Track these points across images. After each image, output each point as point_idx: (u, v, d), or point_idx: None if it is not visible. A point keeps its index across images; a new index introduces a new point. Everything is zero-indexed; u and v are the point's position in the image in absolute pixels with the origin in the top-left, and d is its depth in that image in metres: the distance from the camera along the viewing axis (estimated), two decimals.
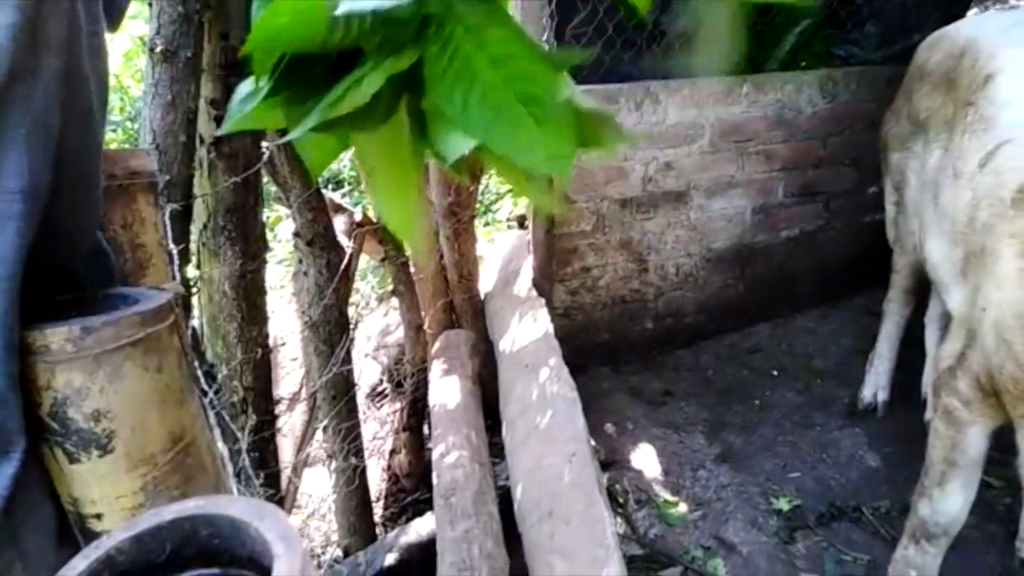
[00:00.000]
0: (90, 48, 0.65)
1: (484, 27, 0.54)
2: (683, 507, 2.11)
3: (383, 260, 2.39)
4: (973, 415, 1.38)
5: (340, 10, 0.50)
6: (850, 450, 2.29)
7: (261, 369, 1.65)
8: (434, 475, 1.94)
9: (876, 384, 2.42)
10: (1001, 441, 1.49)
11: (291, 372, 2.70)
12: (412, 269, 2.52)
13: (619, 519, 2.09)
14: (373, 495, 2.71)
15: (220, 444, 1.12)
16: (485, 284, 2.84)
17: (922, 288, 2.22)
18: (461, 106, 0.53)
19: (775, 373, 2.76)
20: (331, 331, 1.86)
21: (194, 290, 1.55)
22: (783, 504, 2.07)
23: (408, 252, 2.38)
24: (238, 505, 0.47)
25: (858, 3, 2.90)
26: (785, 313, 3.11)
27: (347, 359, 2.01)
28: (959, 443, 1.41)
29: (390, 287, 2.38)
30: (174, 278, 0.93)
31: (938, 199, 1.65)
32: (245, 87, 0.60)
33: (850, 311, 3.12)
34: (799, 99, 2.78)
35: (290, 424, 2.30)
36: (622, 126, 0.64)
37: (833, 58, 2.97)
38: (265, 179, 1.79)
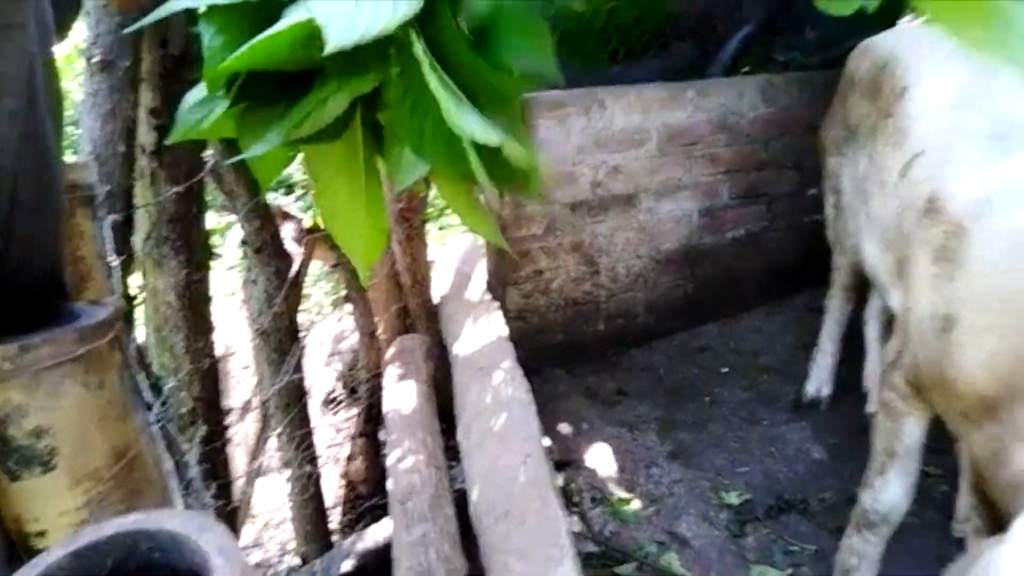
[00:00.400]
0: (44, 77, 0.64)
1: (442, 56, 0.55)
2: (637, 504, 2.15)
3: (335, 266, 2.38)
4: (908, 407, 1.45)
5: (328, 49, 0.49)
6: (796, 444, 2.36)
7: (209, 379, 1.63)
8: (390, 480, 1.94)
9: (819, 379, 2.51)
10: (937, 431, 1.57)
11: (243, 381, 2.67)
12: None
13: (575, 518, 2.12)
14: (330, 502, 2.70)
15: (167, 457, 1.11)
16: (439, 288, 2.85)
17: (862, 285, 2.30)
18: (418, 133, 0.55)
19: (724, 371, 2.83)
20: (282, 339, 1.85)
21: (138, 301, 1.52)
22: (733, 498, 2.12)
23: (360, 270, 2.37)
24: (179, 519, 0.47)
25: (797, 8, 3.00)
26: (732, 312, 3.18)
27: (299, 367, 2.00)
28: (897, 433, 1.48)
29: (343, 293, 2.37)
30: (115, 291, 0.92)
31: (869, 205, 1.73)
32: (193, 95, 0.60)
33: (794, 309, 3.21)
34: (741, 104, 2.86)
35: (243, 434, 2.28)
36: (541, 179, 0.66)
37: (774, 63, 3.06)
38: (212, 186, 1.77)
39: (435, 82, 0.53)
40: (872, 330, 2.37)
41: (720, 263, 3.12)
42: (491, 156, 0.58)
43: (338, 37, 0.50)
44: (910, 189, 1.46)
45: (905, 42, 1.75)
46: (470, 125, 0.53)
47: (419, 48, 0.54)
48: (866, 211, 1.80)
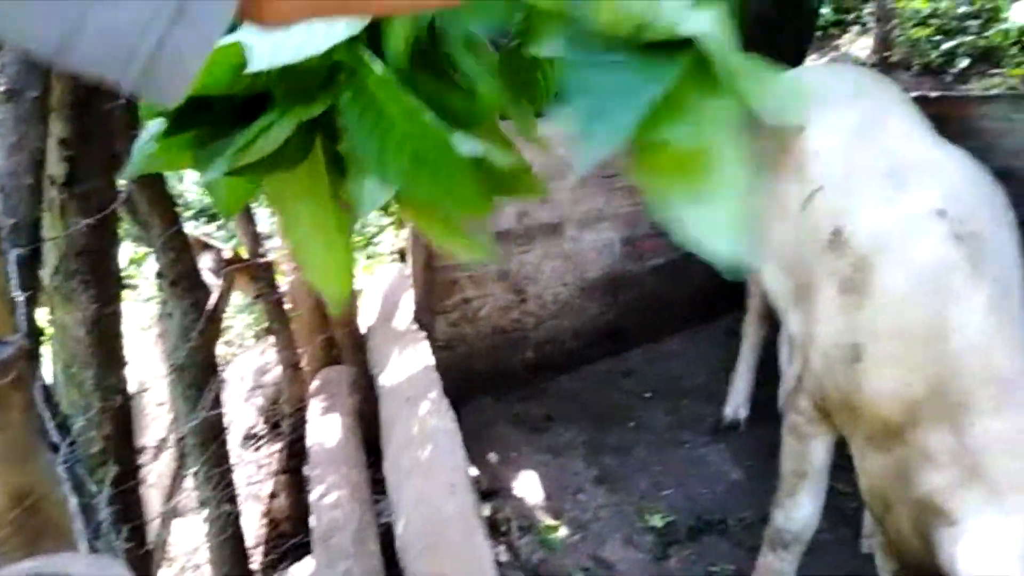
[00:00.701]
0: None
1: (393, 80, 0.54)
2: (564, 531, 2.17)
3: (257, 297, 2.34)
4: (815, 429, 1.53)
5: (250, 68, 0.49)
6: (716, 465, 2.44)
7: (121, 417, 1.57)
8: (313, 517, 1.90)
9: (737, 402, 2.60)
10: (845, 449, 1.65)
11: (157, 418, 2.56)
12: (288, 306, 2.47)
13: (503, 547, 2.12)
14: (251, 542, 2.60)
15: (74, 499, 1.06)
16: (366, 319, 2.82)
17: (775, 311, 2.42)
18: (378, 152, 0.53)
19: (647, 395, 2.90)
20: (198, 374, 1.80)
21: (46, 337, 1.46)
22: (657, 521, 2.17)
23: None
24: (82, 562, 0.46)
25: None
26: (656, 337, 3.27)
27: (217, 402, 1.94)
28: (805, 455, 1.55)
29: (265, 325, 2.32)
30: (19, 328, 0.88)
31: (771, 233, 1.83)
32: (152, 128, 0.58)
33: (715, 333, 3.33)
34: None
35: (157, 473, 2.18)
36: (536, 178, 0.66)
37: None
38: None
39: (396, 94, 0.52)
40: (784, 354, 2.49)
41: (643, 290, 3.21)
42: (476, 169, 0.56)
43: (262, 59, 0.49)
44: (811, 221, 1.55)
45: (804, 83, 1.88)
46: (450, 137, 0.53)
47: (373, 62, 0.53)
48: (767, 239, 1.90)
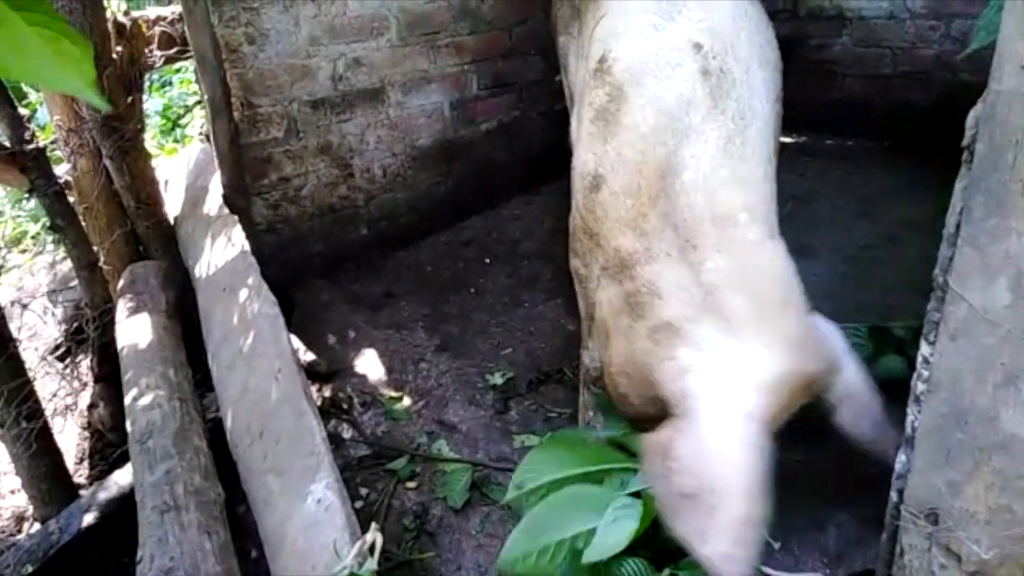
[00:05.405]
0: None
1: None
2: (407, 401, 2.16)
3: (30, 192, 2.03)
4: (588, 269, 1.54)
5: None
6: (554, 321, 2.50)
7: None
8: (128, 421, 1.76)
9: None
10: None
11: None
12: (72, 198, 2.18)
13: (346, 425, 2.09)
14: (76, 456, 2.42)
15: None
16: (174, 207, 2.56)
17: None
18: None
19: (487, 261, 2.89)
20: None
21: None
22: (497, 379, 2.21)
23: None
24: None
25: None
26: (493, 203, 3.24)
27: None
28: (589, 295, 1.57)
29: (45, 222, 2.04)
30: None
31: (576, 80, 1.78)
32: None
33: (551, 194, 3.34)
34: None
35: None
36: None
37: None
38: None
39: None
40: None
41: (477, 155, 3.13)
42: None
43: None
44: (590, 49, 1.50)
45: None
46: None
47: None
48: (573, 86, 1.84)
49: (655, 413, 1.30)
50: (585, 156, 1.41)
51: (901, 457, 1.09)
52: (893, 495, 1.12)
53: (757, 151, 1.30)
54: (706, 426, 1.17)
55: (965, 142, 0.88)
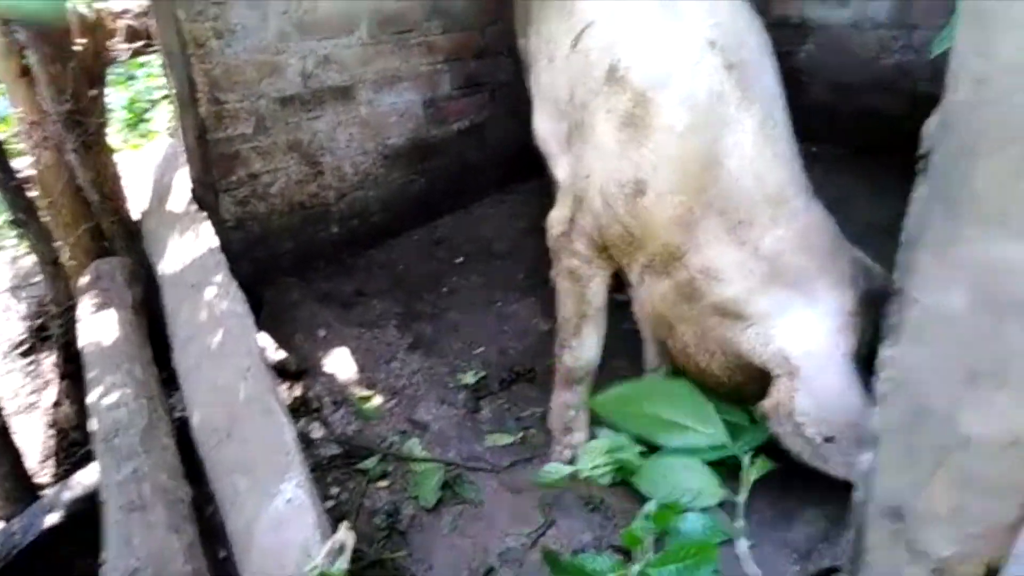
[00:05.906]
0: None
1: None
2: (378, 399, 2.16)
3: None
4: (593, 269, 1.57)
5: None
6: (526, 320, 2.51)
7: None
8: (93, 420, 1.74)
9: None
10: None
11: None
12: (35, 193, 2.13)
13: (316, 424, 2.08)
14: (41, 454, 2.37)
15: None
16: (139, 203, 2.52)
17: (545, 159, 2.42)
18: None
19: (459, 260, 2.89)
20: None
21: None
22: (469, 378, 2.21)
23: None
24: None
25: None
26: (465, 203, 3.24)
27: None
28: (585, 295, 1.60)
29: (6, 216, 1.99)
30: None
31: (539, 81, 1.79)
32: None
33: (524, 194, 3.35)
34: None
35: None
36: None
37: None
38: None
39: None
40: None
41: (449, 155, 3.13)
42: None
43: None
44: (583, 59, 1.52)
45: None
46: None
47: None
48: (538, 87, 1.86)
49: (741, 380, 1.44)
50: (618, 164, 1.45)
51: (867, 455, 1.11)
52: (859, 493, 1.15)
53: (784, 127, 1.43)
54: (818, 377, 1.30)
55: (922, 151, 0.91)
